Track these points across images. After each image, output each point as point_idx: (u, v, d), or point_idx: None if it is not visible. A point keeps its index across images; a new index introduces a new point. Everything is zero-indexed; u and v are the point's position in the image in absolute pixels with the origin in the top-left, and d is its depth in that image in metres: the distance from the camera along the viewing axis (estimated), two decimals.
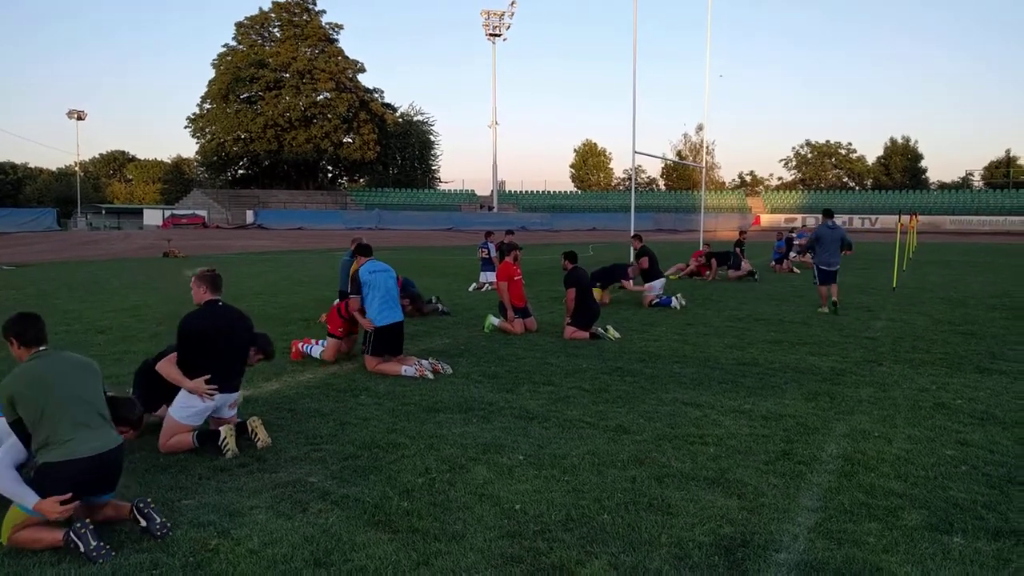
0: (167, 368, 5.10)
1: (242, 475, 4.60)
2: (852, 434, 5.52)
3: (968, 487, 4.45)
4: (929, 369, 7.84)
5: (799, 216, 64.62)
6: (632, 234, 15.82)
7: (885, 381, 7.28)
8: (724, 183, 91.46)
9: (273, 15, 73.82)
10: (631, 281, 13.55)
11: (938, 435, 5.50)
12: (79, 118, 75.10)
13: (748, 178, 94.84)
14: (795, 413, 6.08)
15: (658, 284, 13.52)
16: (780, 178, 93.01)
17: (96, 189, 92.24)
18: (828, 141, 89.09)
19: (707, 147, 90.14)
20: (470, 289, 15.82)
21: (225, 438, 4.88)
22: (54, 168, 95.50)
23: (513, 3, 71.54)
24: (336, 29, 75.73)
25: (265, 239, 44.54)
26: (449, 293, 15.07)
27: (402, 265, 22.57)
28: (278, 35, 74.11)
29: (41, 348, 3.98)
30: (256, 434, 5.06)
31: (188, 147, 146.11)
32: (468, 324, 10.90)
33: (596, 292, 13.35)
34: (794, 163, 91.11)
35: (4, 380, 3.87)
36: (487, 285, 15.59)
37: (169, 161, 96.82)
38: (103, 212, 74.38)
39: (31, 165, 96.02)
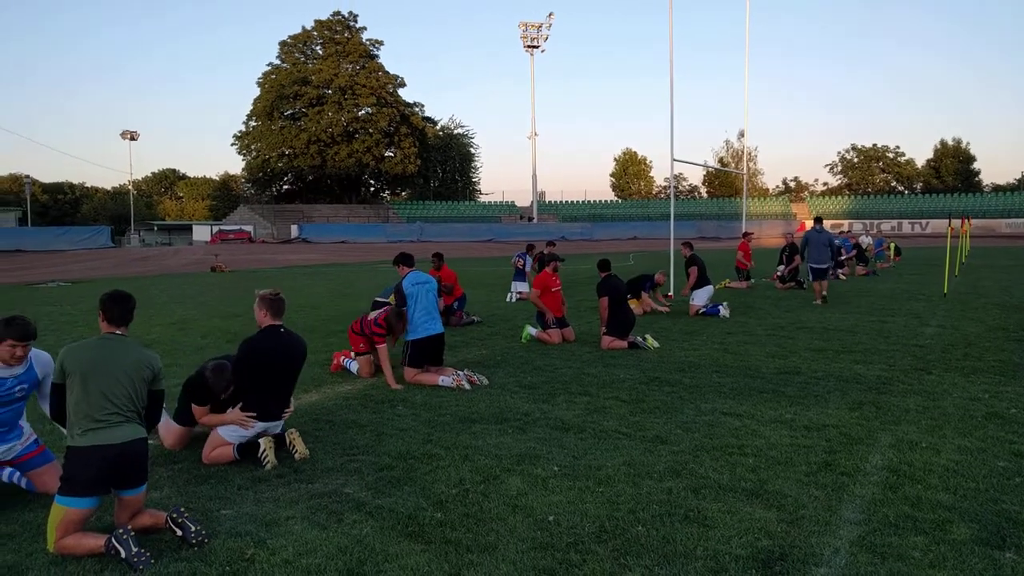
0: (204, 419, 5.22)
1: (280, 486, 4.66)
2: (898, 444, 5.36)
3: (1022, 500, 4.28)
4: (981, 377, 7.57)
5: (846, 222, 63.27)
6: (682, 241, 15.24)
7: (934, 390, 7.05)
8: (768, 189, 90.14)
9: (315, 33, 75.43)
10: (657, 291, 13.32)
11: (990, 446, 5.30)
12: (132, 138, 77.58)
13: (792, 184, 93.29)
14: (838, 423, 5.93)
15: (704, 293, 13.27)
16: (825, 183, 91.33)
17: (149, 207, 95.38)
18: (875, 145, 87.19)
19: (749, 153, 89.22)
20: (507, 299, 15.85)
21: (264, 450, 4.95)
22: (109, 187, 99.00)
23: (550, 15, 71.92)
24: (376, 45, 77.04)
25: (309, 253, 45.32)
26: (487, 303, 15.13)
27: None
28: (320, 52, 75.65)
29: (117, 331, 4.09)
30: (294, 446, 5.12)
31: (235, 164, 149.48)
32: (506, 334, 10.91)
33: (633, 303, 13.26)
34: (840, 168, 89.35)
35: (70, 345, 4.02)
36: (516, 295, 15.66)
37: (217, 178, 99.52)
38: (155, 229, 76.73)
39: (88, 185, 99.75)
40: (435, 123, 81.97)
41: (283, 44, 75.97)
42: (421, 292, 7.79)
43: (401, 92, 77.48)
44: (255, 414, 5.13)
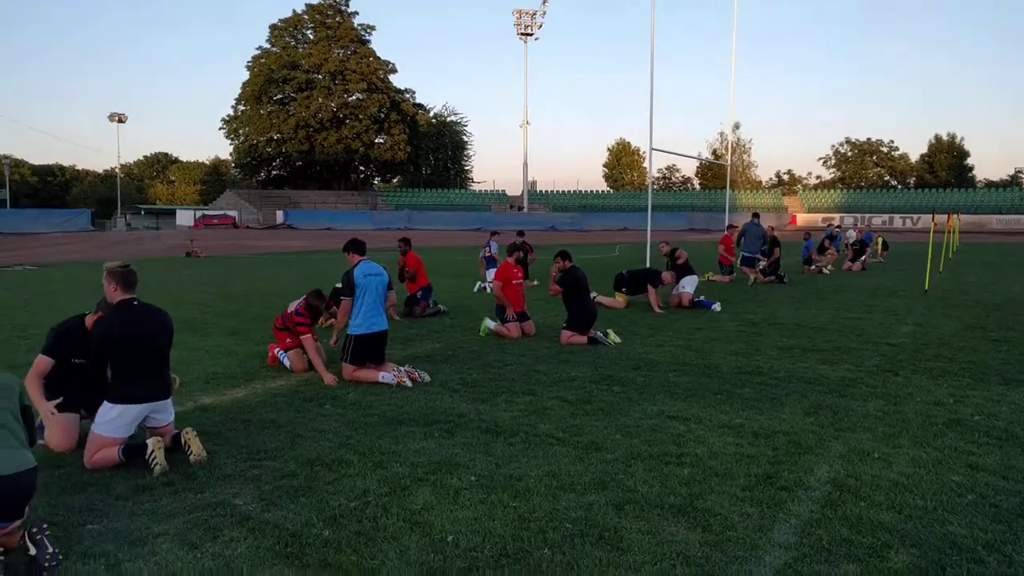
0: (30, 385, 4.74)
1: (165, 495, 4.24)
2: (849, 455, 4.97)
3: (970, 521, 3.90)
4: (949, 380, 7.19)
5: (837, 215, 62.96)
6: (663, 240, 14.94)
7: (898, 393, 6.67)
8: (761, 182, 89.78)
9: (306, 16, 74.39)
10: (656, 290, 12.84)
11: (946, 457, 4.92)
12: (120, 120, 76.52)
13: (786, 177, 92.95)
14: (790, 429, 5.54)
15: (690, 282, 12.91)
16: (819, 177, 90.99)
17: (140, 191, 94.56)
18: (869, 139, 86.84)
19: (743, 145, 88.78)
20: (475, 289, 15.42)
21: (153, 451, 4.53)
22: (100, 170, 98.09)
23: (545, 1, 71.06)
24: (368, 30, 76.09)
25: (293, 239, 44.75)
26: (457, 293, 14.71)
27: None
28: (311, 36, 74.65)
29: None
30: (189, 447, 4.71)
31: (227, 148, 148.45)
32: (465, 327, 10.50)
33: (620, 297, 12.85)
34: (833, 161, 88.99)
35: None
36: (489, 284, 15.21)
37: (208, 163, 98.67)
38: (142, 213, 75.81)
39: (79, 167, 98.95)
40: (427, 110, 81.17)
41: (273, 27, 74.93)
42: (371, 284, 7.37)
43: (392, 78, 76.65)
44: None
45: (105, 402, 4.74)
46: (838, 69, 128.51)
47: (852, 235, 23.74)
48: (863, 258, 21.78)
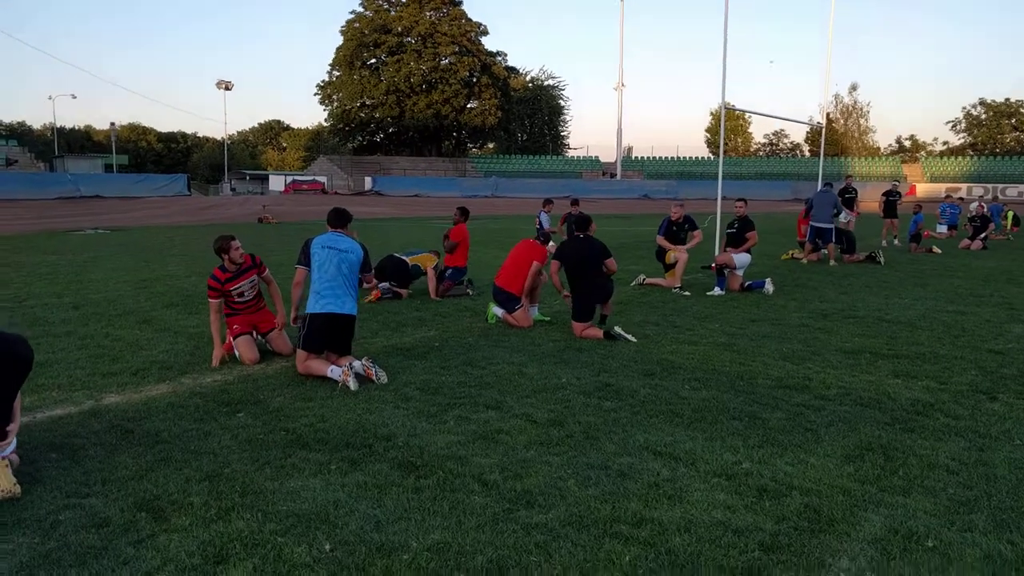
0: None
1: None
2: (887, 538, 3.40)
3: None
4: None
5: (964, 186, 57.31)
6: (738, 197, 12.98)
7: (989, 430, 4.92)
8: (879, 149, 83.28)
9: None
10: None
11: None
12: (227, 88, 79.14)
13: (908, 143, 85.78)
14: (814, 485, 3.98)
15: (746, 258, 11.15)
16: (946, 143, 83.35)
17: (252, 156, 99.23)
18: (1008, 100, 78.48)
19: (860, 108, 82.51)
20: None
21: None
22: (219, 137, 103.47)
23: None
24: None
25: (378, 206, 44.60)
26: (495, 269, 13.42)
27: (477, 234, 21.12)
28: None
29: None
30: None
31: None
32: (477, 310, 9.26)
33: (670, 276, 11.27)
34: (964, 125, 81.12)
35: None
36: None
37: (311, 129, 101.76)
38: (247, 178, 78.52)
39: (199, 135, 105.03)
40: (519, 73, 79.49)
41: None
42: (330, 259, 6.21)
43: (483, 41, 75.33)
44: None
45: None
46: (971, 20, 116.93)
47: (973, 208, 20.78)
48: (983, 235, 18.92)
